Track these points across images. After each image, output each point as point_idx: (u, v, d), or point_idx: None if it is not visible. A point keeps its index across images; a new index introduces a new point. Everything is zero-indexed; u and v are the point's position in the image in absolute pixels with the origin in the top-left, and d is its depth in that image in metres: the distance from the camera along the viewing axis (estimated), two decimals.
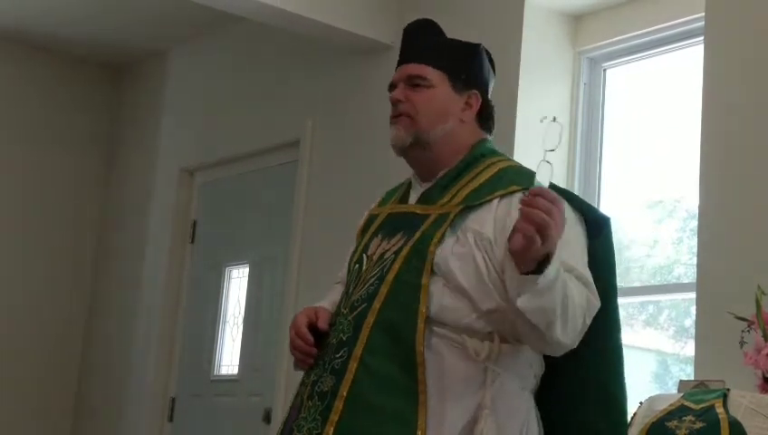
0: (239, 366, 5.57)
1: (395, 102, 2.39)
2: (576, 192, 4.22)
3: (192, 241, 6.05)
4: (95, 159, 6.74)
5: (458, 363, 2.18)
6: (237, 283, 5.78)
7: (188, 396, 5.82)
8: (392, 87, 2.43)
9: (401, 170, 2.65)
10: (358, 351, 2.17)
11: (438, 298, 2.19)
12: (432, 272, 2.20)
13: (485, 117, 2.44)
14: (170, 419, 5.86)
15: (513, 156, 4.09)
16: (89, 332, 6.54)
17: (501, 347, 2.19)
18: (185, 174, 6.14)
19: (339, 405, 2.13)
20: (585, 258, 2.23)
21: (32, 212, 6.46)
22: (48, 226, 6.50)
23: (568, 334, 2.10)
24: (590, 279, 2.18)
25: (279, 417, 4.96)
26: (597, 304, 2.17)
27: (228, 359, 5.70)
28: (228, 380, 5.63)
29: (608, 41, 4.37)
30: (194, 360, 5.83)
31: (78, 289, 6.57)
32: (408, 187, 2.47)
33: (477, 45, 2.46)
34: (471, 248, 2.21)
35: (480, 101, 2.41)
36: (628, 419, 2.58)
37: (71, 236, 6.58)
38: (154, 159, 6.35)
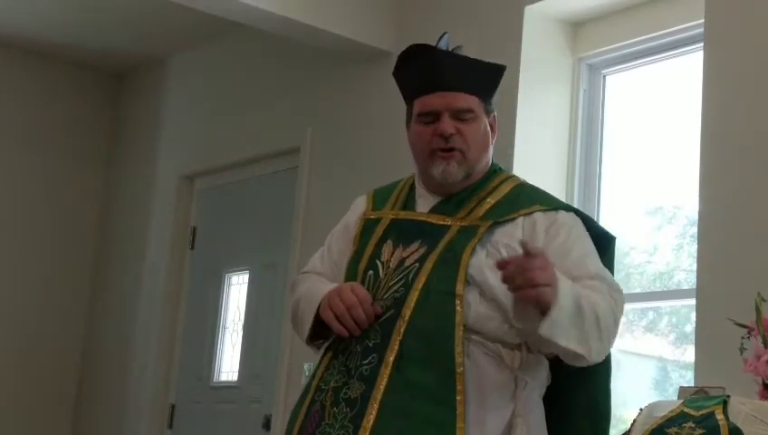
0: (239, 373, 5.56)
1: (447, 136, 2.32)
2: (576, 199, 4.25)
3: (192, 247, 6.05)
4: (95, 166, 6.74)
5: (494, 372, 2.20)
6: (237, 289, 5.78)
7: (188, 403, 5.81)
8: (430, 114, 2.35)
9: (401, 176, 2.64)
10: (389, 357, 2.15)
11: (475, 307, 2.21)
12: (467, 281, 2.21)
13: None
14: (170, 425, 5.86)
15: (512, 163, 4.12)
16: (89, 338, 6.54)
17: (528, 357, 2.24)
18: (184, 180, 6.14)
19: (372, 411, 2.11)
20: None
21: (31, 220, 6.46)
22: (48, 233, 6.50)
23: (603, 342, 2.18)
24: (609, 275, 2.28)
25: (279, 423, 4.95)
26: (621, 297, 2.26)
27: (228, 365, 5.69)
28: (228, 386, 5.62)
29: (607, 47, 4.37)
30: (193, 366, 5.83)
31: (78, 295, 6.57)
32: (408, 191, 2.46)
33: (504, 68, 2.44)
34: None
35: (496, 121, 2.44)
36: (626, 425, 2.59)
37: (71, 242, 6.58)
38: (154, 165, 6.35)
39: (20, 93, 6.52)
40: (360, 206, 2.54)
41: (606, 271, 2.27)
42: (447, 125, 2.32)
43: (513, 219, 2.29)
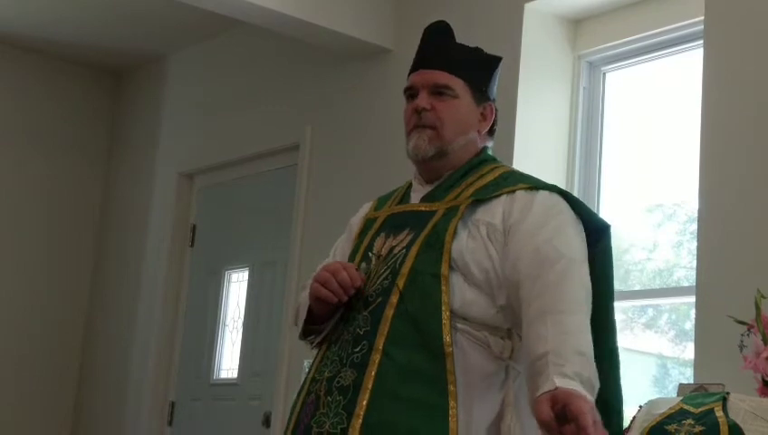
0: (239, 370, 5.57)
1: (419, 110, 2.38)
2: (575, 195, 4.23)
3: (191, 245, 6.05)
4: (94, 164, 6.74)
5: (481, 360, 2.20)
6: (237, 287, 5.78)
7: (188, 400, 5.81)
8: (411, 90, 2.43)
9: (401, 174, 2.65)
10: (379, 343, 2.16)
11: (461, 293, 2.21)
12: (450, 266, 2.21)
13: (493, 126, 2.48)
14: (170, 423, 5.86)
15: (512, 159, 4.12)
16: (89, 336, 6.54)
17: (520, 346, 2.22)
18: (184, 178, 6.14)
19: (364, 398, 2.12)
20: (582, 246, 2.26)
21: (31, 217, 6.46)
22: (47, 230, 6.50)
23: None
24: (580, 256, 2.21)
25: (279, 421, 4.95)
26: (585, 267, 2.20)
27: (228, 363, 5.69)
28: (228, 384, 5.62)
29: (607, 44, 4.37)
30: (193, 364, 5.83)
31: (78, 293, 6.57)
32: (406, 189, 2.49)
33: (499, 59, 2.49)
34: (484, 241, 2.24)
35: (494, 113, 2.46)
36: (626, 422, 2.59)
37: (71, 240, 6.58)
38: (153, 163, 6.35)
39: (20, 92, 6.52)
40: (364, 209, 2.58)
41: (569, 247, 2.20)
42: (422, 100, 2.38)
43: (496, 196, 2.29)
